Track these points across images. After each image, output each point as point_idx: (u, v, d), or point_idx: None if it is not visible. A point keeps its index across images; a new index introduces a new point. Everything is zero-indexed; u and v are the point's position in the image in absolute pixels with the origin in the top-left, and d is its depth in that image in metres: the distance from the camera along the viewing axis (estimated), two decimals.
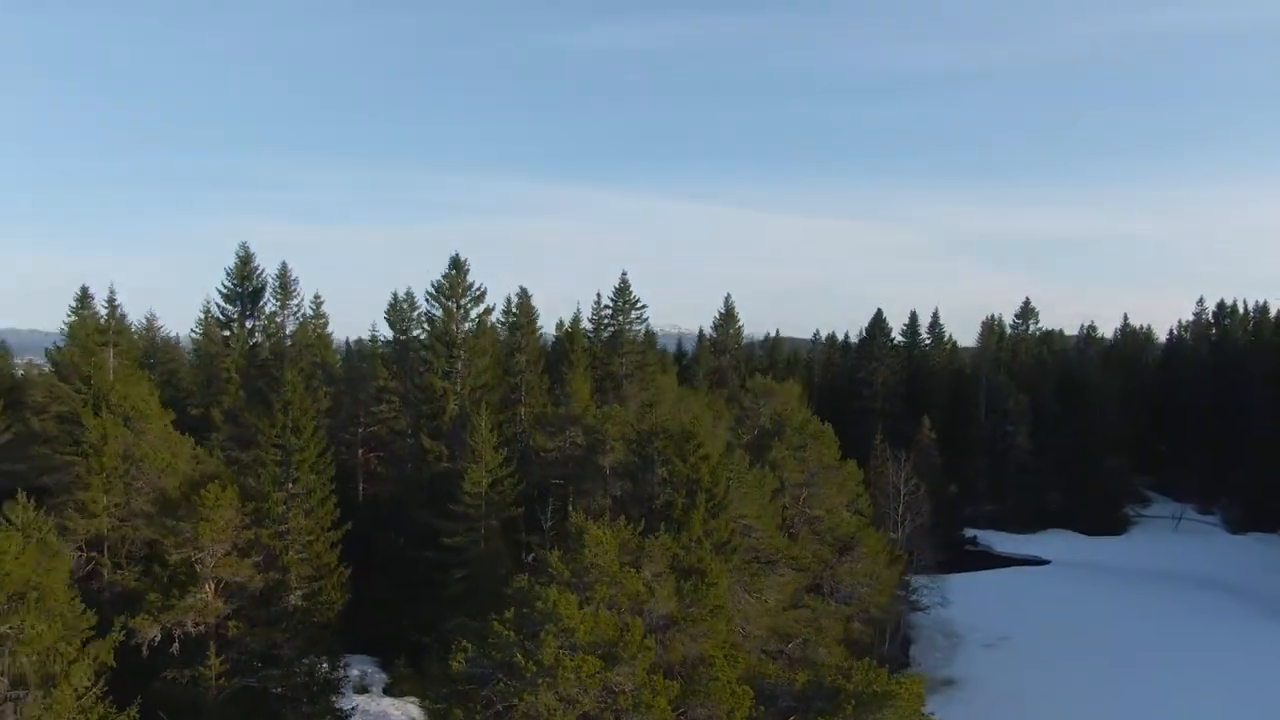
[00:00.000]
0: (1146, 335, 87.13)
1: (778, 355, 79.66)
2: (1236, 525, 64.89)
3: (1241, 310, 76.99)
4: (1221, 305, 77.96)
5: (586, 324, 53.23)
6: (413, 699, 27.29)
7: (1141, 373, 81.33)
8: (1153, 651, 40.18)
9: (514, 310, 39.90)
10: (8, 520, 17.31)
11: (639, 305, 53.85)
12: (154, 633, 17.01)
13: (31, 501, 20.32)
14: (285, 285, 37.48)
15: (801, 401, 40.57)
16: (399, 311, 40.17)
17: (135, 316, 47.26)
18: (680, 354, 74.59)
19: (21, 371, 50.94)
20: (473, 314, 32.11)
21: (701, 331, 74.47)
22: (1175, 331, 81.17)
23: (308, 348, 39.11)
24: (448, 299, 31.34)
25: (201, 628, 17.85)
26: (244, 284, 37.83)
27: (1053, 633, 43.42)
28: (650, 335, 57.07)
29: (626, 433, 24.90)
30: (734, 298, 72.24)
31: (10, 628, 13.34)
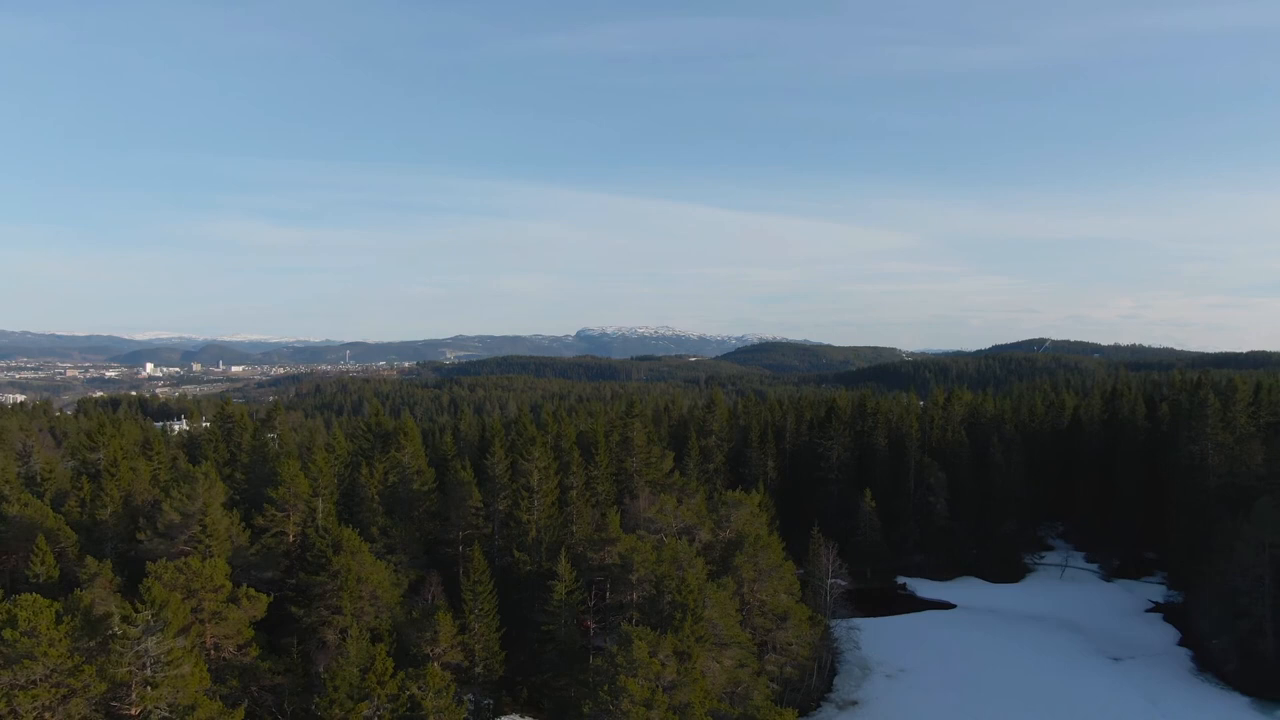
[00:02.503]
0: (1060, 406, 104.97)
1: (753, 424, 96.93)
2: (1110, 573, 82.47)
3: (1128, 393, 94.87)
4: (1114, 389, 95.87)
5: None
6: (515, 718, 44.30)
7: (1056, 435, 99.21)
8: (1009, 682, 57.21)
9: (563, 460, 56.99)
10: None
11: (641, 415, 71.33)
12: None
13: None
14: (405, 430, 54.44)
15: (760, 509, 57.67)
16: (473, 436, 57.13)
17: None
18: (675, 425, 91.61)
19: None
20: (541, 466, 49.25)
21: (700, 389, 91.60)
22: (1078, 408, 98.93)
23: (410, 465, 56.10)
24: (527, 460, 48.48)
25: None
26: (376, 428, 54.79)
27: (941, 665, 60.56)
28: (652, 437, 73.90)
29: (645, 559, 42.01)
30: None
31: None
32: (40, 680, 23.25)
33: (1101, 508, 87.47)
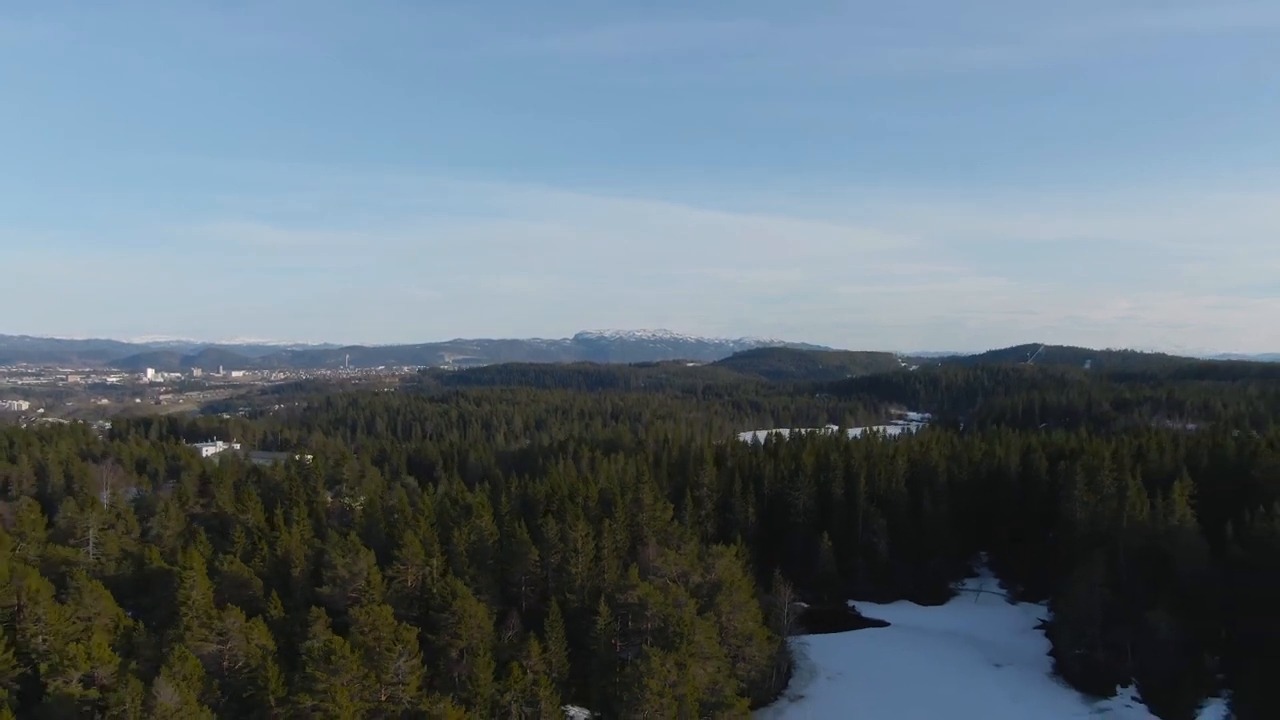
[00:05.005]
0: (992, 455, 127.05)
1: (736, 472, 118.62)
2: (1015, 597, 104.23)
3: (1040, 451, 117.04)
4: (1029, 442, 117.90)
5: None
6: (571, 707, 65.66)
7: (988, 479, 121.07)
8: (915, 683, 78.78)
9: (593, 518, 78.59)
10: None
11: (648, 480, 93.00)
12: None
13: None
14: (482, 503, 75.94)
15: (737, 557, 79.30)
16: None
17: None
18: (673, 465, 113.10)
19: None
20: (582, 534, 70.82)
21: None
22: (999, 461, 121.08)
23: (486, 529, 77.54)
24: (573, 530, 70.05)
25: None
26: (461, 500, 76.28)
27: (870, 670, 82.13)
28: (656, 492, 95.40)
29: (656, 601, 63.53)
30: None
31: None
32: (348, 682, 44.64)
33: (1017, 543, 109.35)
